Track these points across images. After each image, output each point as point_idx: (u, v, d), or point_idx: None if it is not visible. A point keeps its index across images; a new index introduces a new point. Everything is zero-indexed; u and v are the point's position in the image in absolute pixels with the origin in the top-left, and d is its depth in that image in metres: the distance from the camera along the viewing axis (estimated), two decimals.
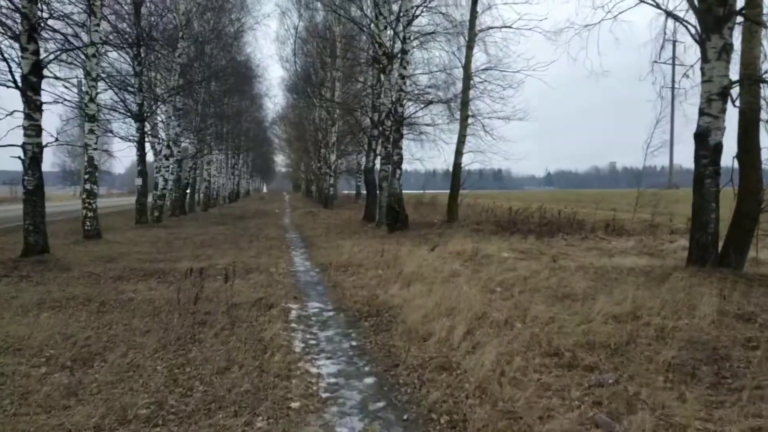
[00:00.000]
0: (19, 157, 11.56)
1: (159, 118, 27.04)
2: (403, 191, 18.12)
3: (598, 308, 6.70)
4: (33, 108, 11.52)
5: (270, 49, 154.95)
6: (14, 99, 11.76)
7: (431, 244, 13.25)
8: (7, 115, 11.08)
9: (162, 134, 25.34)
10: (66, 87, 17.99)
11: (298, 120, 50.95)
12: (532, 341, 5.68)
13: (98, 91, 16.31)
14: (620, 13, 12.74)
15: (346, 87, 33.09)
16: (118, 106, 21.34)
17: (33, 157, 11.56)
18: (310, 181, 62.19)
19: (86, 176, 15.24)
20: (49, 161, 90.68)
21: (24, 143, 11.52)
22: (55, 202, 54.67)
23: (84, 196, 15.36)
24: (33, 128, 11.53)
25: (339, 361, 5.61)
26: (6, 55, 11.36)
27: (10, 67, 11.14)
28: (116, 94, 20.65)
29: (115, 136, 22.49)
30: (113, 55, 21.98)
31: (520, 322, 6.53)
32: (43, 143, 11.73)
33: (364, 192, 48.34)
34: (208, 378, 5.02)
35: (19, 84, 11.42)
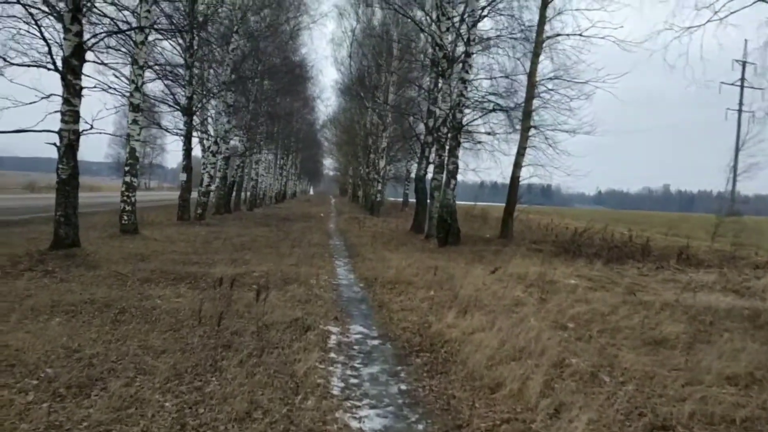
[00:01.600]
0: (54, 144, 10.89)
1: (209, 114, 26.55)
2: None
3: (706, 364, 5.45)
4: (72, 93, 10.85)
5: (325, 50, 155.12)
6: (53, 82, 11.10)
7: (488, 264, 12.08)
8: (42, 98, 10.39)
9: (210, 130, 24.78)
10: (116, 76, 17.58)
11: (348, 124, 50.27)
12: (631, 407, 4.48)
13: (145, 80, 15.73)
14: (731, 14, 11.41)
15: (400, 92, 32.16)
16: (168, 99, 20.82)
17: (69, 145, 10.88)
18: (357, 186, 61.45)
19: (126, 168, 14.59)
20: (103, 152, 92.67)
21: (60, 129, 10.85)
22: (104, 192, 55.43)
23: (123, 189, 14.71)
24: (70, 114, 10.85)
25: (386, 413, 4.53)
26: (48, 35, 10.68)
27: (50, 48, 10.47)
28: (165, 86, 20.14)
29: (162, 128, 21.97)
30: (166, 45, 21.57)
31: (608, 374, 5.33)
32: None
33: (413, 200, 47.30)
34: (222, 427, 4.01)
35: (60, 67, 10.74)
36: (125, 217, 14.65)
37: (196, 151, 27.68)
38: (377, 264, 12.30)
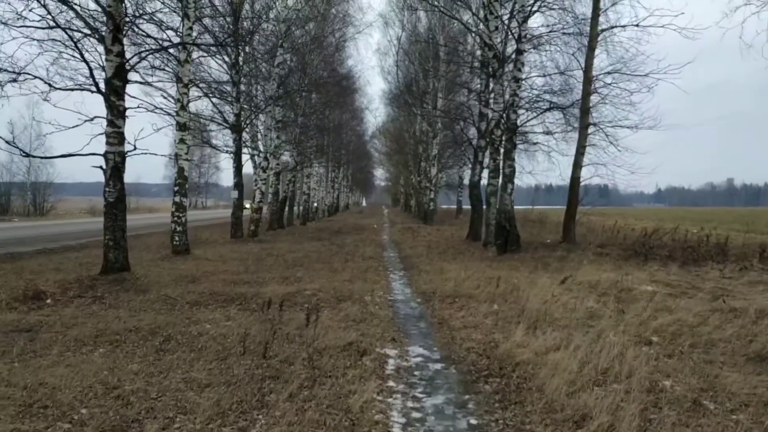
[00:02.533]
0: (101, 167, 10.73)
1: (258, 130, 26.51)
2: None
3: None
4: (116, 114, 10.67)
5: (372, 61, 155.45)
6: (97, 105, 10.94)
7: (554, 272, 11.30)
8: (85, 121, 10.24)
9: (260, 146, 24.69)
10: (164, 97, 17.57)
11: (398, 133, 49.90)
12: None
13: (191, 99, 15.63)
14: None
15: (449, 97, 31.51)
16: (216, 117, 20.77)
17: (115, 167, 10.70)
18: (409, 195, 60.92)
19: (176, 188, 14.43)
20: (161, 173, 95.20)
21: (106, 152, 10.69)
22: (162, 213, 56.53)
23: (173, 209, 14.56)
24: (115, 136, 10.67)
25: None
26: (90, 58, 10.56)
27: (91, 71, 10.32)
28: (213, 104, 20.07)
29: (212, 146, 21.94)
30: (212, 64, 21.58)
31: (712, 400, 4.57)
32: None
33: (467, 207, 46.40)
34: None
35: (102, 89, 10.59)
36: (176, 238, 14.49)
37: (249, 168, 27.69)
38: (434, 276, 11.68)
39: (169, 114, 15.00)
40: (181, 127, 14.23)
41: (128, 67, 10.90)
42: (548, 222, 27.23)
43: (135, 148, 10.57)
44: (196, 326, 7.41)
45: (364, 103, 51.79)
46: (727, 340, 6.23)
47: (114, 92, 10.68)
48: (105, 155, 10.72)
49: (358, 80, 44.46)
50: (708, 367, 5.36)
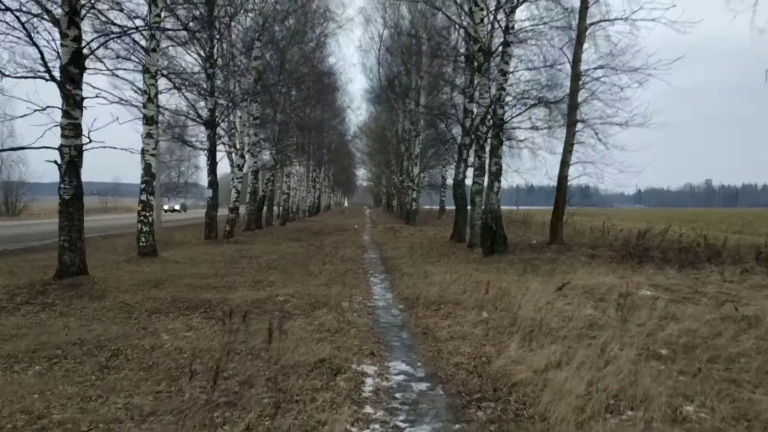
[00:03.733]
0: (55, 162, 9.84)
1: (235, 126, 25.61)
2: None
3: None
4: (72, 104, 9.79)
5: (354, 57, 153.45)
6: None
7: (545, 275, 10.61)
8: (35, 110, 9.34)
9: (237, 143, 23.79)
10: (135, 90, 16.65)
11: (380, 132, 49.14)
12: None
13: (162, 91, 14.78)
14: None
15: (432, 95, 30.80)
16: (189, 112, 19.86)
17: (70, 161, 9.81)
18: (391, 196, 60.19)
19: (142, 186, 13.51)
20: (138, 173, 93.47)
21: (61, 145, 9.80)
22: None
23: (139, 209, 13.65)
24: (71, 127, 9.79)
25: None
26: (44, 43, 9.66)
27: (42, 56, 9.43)
28: (187, 98, 19.15)
29: (185, 143, 21.02)
30: (188, 59, 20.68)
31: None
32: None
33: (450, 207, 45.78)
34: None
35: (57, 76, 9.70)
36: (142, 239, 13.58)
37: (225, 167, 26.74)
38: (417, 280, 10.92)
39: (136, 106, 14.07)
40: (149, 120, 13.33)
41: (87, 52, 10.01)
42: (533, 222, 26.62)
43: (90, 141, 9.67)
44: (152, 338, 6.60)
45: (346, 102, 51.00)
46: (747, 354, 5.55)
47: (70, 80, 9.79)
48: (60, 149, 9.82)
49: (340, 77, 43.73)
50: (734, 389, 4.66)
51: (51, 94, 10.27)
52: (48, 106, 9.36)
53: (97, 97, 10.14)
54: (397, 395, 4.91)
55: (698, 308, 7.56)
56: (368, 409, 4.54)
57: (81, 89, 9.94)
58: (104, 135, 11.88)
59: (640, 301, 8.14)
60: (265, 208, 30.01)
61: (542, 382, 4.80)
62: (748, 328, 6.48)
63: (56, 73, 9.84)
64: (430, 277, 10.94)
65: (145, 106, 13.31)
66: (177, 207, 68.19)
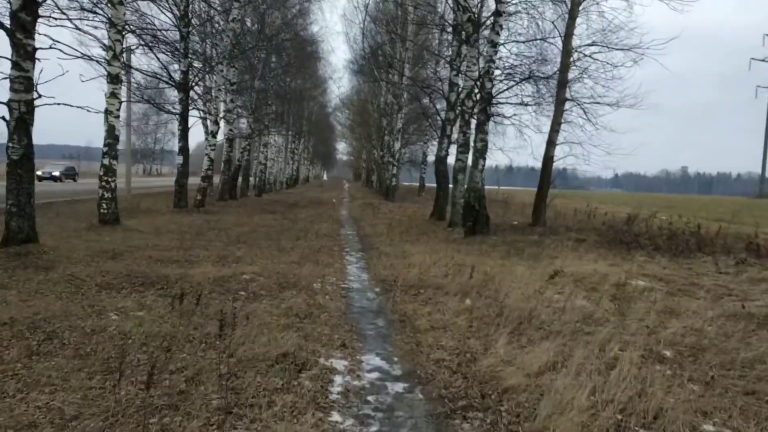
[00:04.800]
0: (3, 118, 8.92)
1: (210, 92, 24.54)
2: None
3: None
4: (22, 55, 8.85)
5: (337, 26, 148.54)
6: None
7: (531, 259, 10.00)
8: None
9: (212, 109, 22.76)
10: (103, 48, 15.58)
11: (362, 105, 48.14)
12: None
13: (132, 49, 13.78)
14: None
15: (416, 68, 29.91)
16: (162, 74, 18.81)
17: (20, 118, 8.90)
18: (371, 171, 59.36)
19: (105, 149, 12.57)
20: (120, 139, 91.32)
21: (9, 100, 8.88)
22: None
23: (101, 173, 12.73)
24: (21, 81, 8.86)
25: None
26: None
27: None
28: (157, 58, 18.07)
29: (154, 105, 19.98)
30: (163, 18, 19.58)
31: None
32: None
33: (430, 185, 45.08)
34: None
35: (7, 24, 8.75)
36: (104, 206, 12.69)
37: (200, 134, 25.60)
38: (396, 260, 10.26)
39: (102, 64, 13.02)
40: (113, 78, 12.36)
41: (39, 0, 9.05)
42: (514, 203, 26.08)
43: (39, 96, 8.75)
44: (96, 318, 5.85)
45: (328, 72, 49.78)
46: (762, 360, 4.97)
47: (21, 28, 8.85)
48: (8, 104, 8.90)
49: (322, 46, 42.48)
50: (755, 403, 4.07)
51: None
52: None
53: (51, 48, 9.19)
54: (370, 398, 4.25)
55: (699, 303, 6.98)
56: (335, 417, 3.87)
57: (33, 39, 9.00)
58: (71, 94, 10.96)
59: (635, 292, 7.56)
60: (240, 179, 29.06)
61: (538, 389, 4.17)
62: (758, 329, 5.91)
63: (6, 21, 8.90)
64: (409, 258, 10.28)
65: (109, 63, 12.34)
66: (56, 173, 47.93)
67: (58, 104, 9.09)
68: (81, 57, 11.70)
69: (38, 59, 9.11)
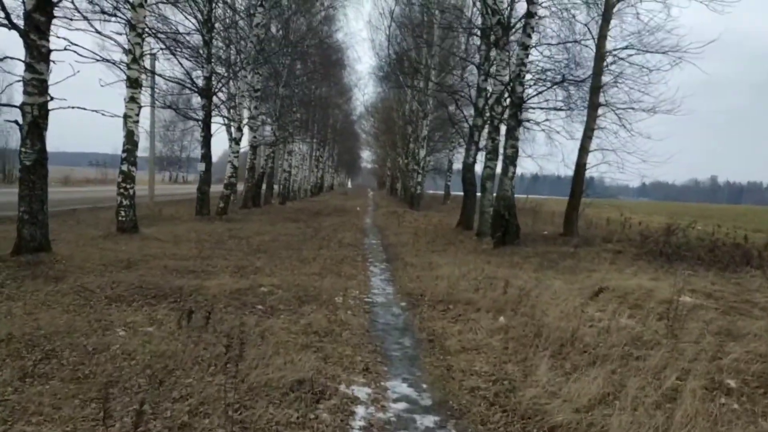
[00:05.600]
0: (16, 122, 8.63)
1: (235, 99, 24.31)
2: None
3: None
4: (36, 56, 8.55)
5: (363, 32, 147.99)
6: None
7: (567, 273, 9.40)
8: None
9: (235, 116, 22.48)
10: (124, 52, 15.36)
11: (387, 112, 47.70)
12: None
13: (155, 54, 13.52)
14: None
15: (442, 76, 29.39)
16: (185, 80, 18.57)
17: (33, 122, 8.59)
18: (396, 179, 58.85)
19: (123, 155, 12.27)
20: (142, 146, 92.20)
21: (23, 103, 8.58)
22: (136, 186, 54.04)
23: (119, 180, 12.43)
24: (35, 84, 8.56)
25: None
26: None
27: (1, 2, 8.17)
28: (181, 65, 17.85)
29: (177, 112, 19.76)
30: (188, 24, 19.34)
31: None
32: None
33: (454, 193, 44.43)
34: None
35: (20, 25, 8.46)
36: (122, 213, 12.37)
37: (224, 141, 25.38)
38: (422, 272, 9.73)
39: (119, 67, 12.74)
40: (132, 83, 12.06)
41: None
42: (543, 212, 25.36)
43: (51, 98, 8.43)
44: (102, 335, 5.43)
45: (353, 81, 49.46)
46: None
47: (35, 29, 8.55)
48: (21, 107, 8.60)
49: (347, 52, 42.19)
50: None
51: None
52: (5, 57, 8.11)
53: (65, 50, 8.86)
54: None
55: (758, 324, 6.34)
56: None
57: (48, 40, 8.69)
58: (93, 99, 10.70)
59: (684, 310, 6.93)
60: (264, 186, 28.78)
61: (591, 429, 3.61)
62: None
63: (20, 22, 8.62)
64: (436, 270, 9.75)
65: (129, 67, 12.05)
66: None
67: (72, 108, 8.79)
68: (100, 60, 11.39)
69: (53, 61, 8.80)
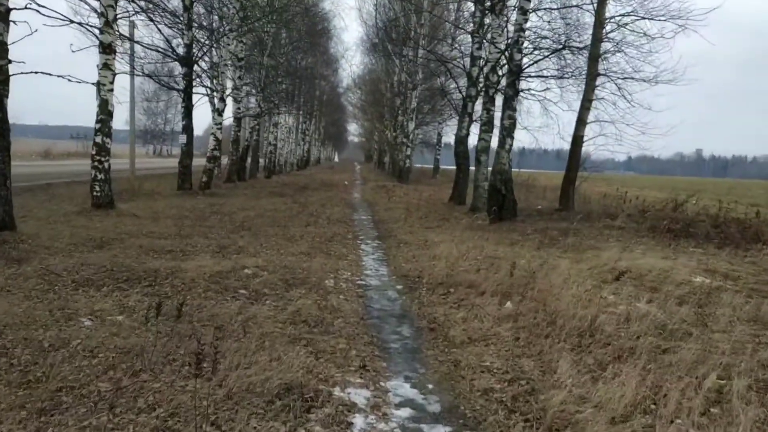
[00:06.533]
0: None
1: (218, 68, 23.37)
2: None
3: None
4: None
5: (350, 1, 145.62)
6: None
7: (570, 250, 8.83)
8: None
9: (218, 86, 21.57)
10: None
11: (374, 84, 46.72)
12: None
13: (122, 15, 12.69)
14: None
15: (432, 45, 28.51)
16: (166, 48, 17.66)
17: None
18: (383, 152, 57.99)
19: (97, 125, 11.46)
20: (123, 118, 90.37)
21: None
22: (118, 159, 52.87)
23: (93, 152, 11.64)
24: None
25: None
26: None
27: None
28: (158, 29, 16.91)
29: (156, 81, 18.86)
30: None
31: None
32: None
33: (444, 167, 43.86)
34: None
35: None
36: (96, 188, 11.60)
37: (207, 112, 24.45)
38: (418, 251, 9.14)
39: (93, 33, 11.86)
40: (105, 48, 11.22)
41: None
42: (537, 186, 24.84)
43: (10, 62, 7.63)
44: (65, 326, 4.81)
45: (340, 51, 48.37)
46: None
47: None
48: None
49: (333, 21, 41.05)
50: None
51: None
52: None
53: (26, 8, 8.04)
54: None
55: None
56: None
57: None
58: (67, 66, 9.90)
59: (703, 292, 6.39)
60: (249, 160, 27.95)
61: None
62: None
63: None
64: (432, 248, 9.15)
65: (101, 32, 11.21)
66: None
67: (35, 72, 7.99)
68: (69, 23, 10.57)
69: (14, 21, 7.99)
